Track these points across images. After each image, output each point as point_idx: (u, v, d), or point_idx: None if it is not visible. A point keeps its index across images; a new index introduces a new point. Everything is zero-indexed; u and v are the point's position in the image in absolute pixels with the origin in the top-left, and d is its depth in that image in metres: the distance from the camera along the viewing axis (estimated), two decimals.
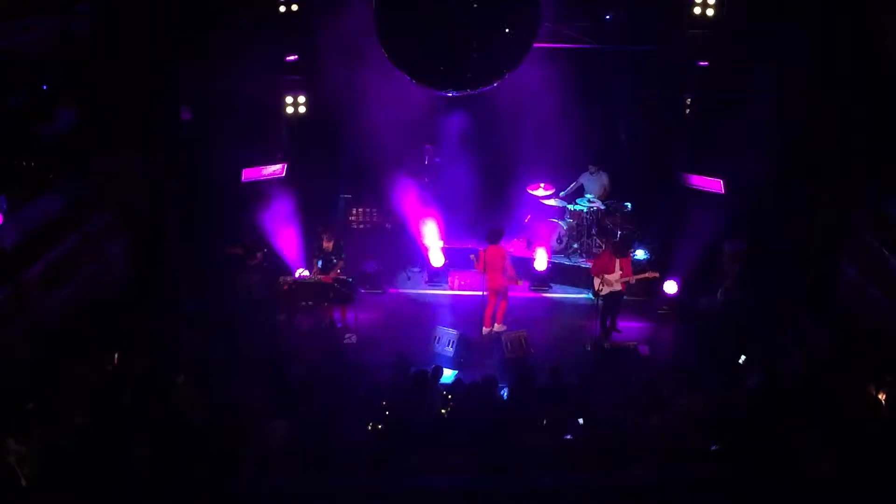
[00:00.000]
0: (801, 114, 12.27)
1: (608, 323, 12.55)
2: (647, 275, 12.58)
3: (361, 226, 14.91)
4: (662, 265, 13.29)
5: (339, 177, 14.36)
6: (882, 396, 9.42)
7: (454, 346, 11.96)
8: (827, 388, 9.74)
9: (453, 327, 12.36)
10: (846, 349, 10.79)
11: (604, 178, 14.57)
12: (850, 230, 12.14)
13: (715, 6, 12.84)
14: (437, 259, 14.20)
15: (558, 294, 14.19)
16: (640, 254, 13.85)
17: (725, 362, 11.11)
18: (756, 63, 12.56)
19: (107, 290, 12.31)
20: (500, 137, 14.75)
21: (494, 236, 12.55)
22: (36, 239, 11.42)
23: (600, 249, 13.84)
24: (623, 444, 8.74)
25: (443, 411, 9.67)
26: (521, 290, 13.85)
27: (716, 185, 13.41)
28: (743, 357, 10.96)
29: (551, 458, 8.56)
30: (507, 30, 9.51)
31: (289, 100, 14.03)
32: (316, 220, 14.00)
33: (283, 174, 14.05)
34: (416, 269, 14.09)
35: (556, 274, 14.32)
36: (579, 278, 13.95)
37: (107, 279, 12.46)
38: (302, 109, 14.26)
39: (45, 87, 12.14)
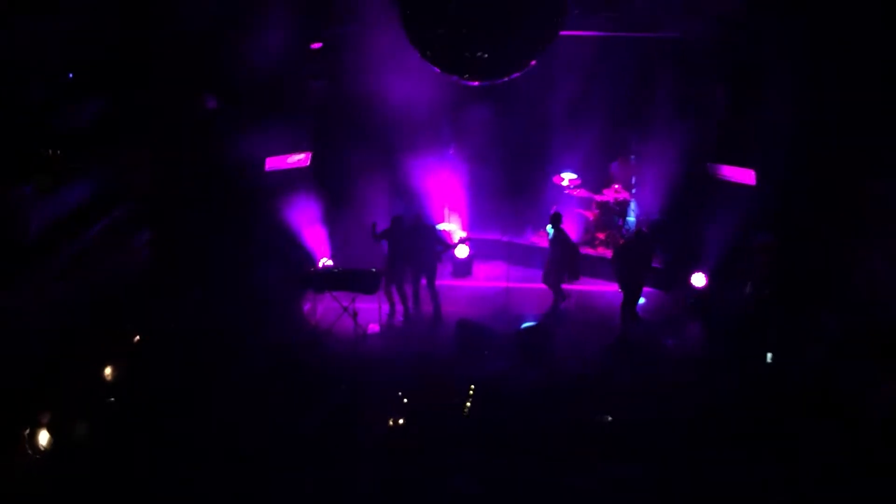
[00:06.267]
0: (831, 104, 12.16)
1: (630, 313, 12.80)
2: None
3: None
4: (691, 257, 13.44)
5: (362, 166, 14.51)
6: None
7: None
8: (847, 383, 9.97)
9: (479, 319, 12.43)
10: (867, 343, 10.84)
11: (632, 168, 14.84)
12: (876, 222, 11.90)
13: None
14: (461, 251, 14.45)
15: (584, 286, 14.20)
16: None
17: (751, 357, 11.49)
18: (787, 53, 12.44)
19: (131, 279, 12.45)
20: (525, 128, 14.90)
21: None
22: (61, 228, 11.62)
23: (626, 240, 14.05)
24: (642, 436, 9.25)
25: (467, 405, 10.22)
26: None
27: (747, 176, 13.37)
28: (770, 354, 11.45)
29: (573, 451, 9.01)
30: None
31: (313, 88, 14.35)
32: (339, 209, 14.28)
33: (308, 163, 14.30)
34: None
35: (583, 266, 13.97)
36: (605, 270, 14.08)
37: (131, 269, 12.67)
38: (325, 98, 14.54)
39: (70, 76, 12.14)
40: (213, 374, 10.67)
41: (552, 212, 13.01)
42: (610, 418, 9.93)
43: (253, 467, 8.89)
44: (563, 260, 12.92)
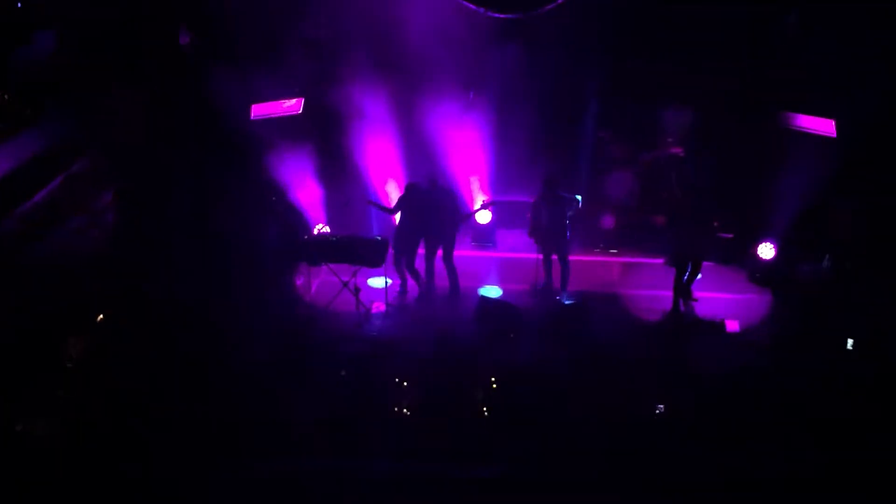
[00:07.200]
0: None
1: (684, 291, 12.63)
2: None
3: None
4: (757, 224, 13.30)
5: (365, 115, 14.33)
6: None
7: None
8: None
9: (501, 295, 12.63)
10: None
11: (688, 116, 14.42)
12: None
13: None
14: (483, 216, 14.16)
15: (629, 258, 14.16)
16: None
17: (830, 344, 11.37)
18: None
19: (93, 245, 12.49)
20: (558, 71, 14.54)
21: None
22: (12, 184, 11.76)
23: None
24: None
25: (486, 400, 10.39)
26: (585, 253, 13.95)
27: (827, 126, 13.09)
28: (851, 341, 11.28)
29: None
30: None
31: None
32: (338, 165, 14.25)
33: (301, 110, 14.09)
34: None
35: (628, 233, 14.30)
36: (655, 239, 13.78)
37: (94, 233, 12.65)
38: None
39: (19, 5, 12.34)
40: (192, 356, 10.65)
41: (548, 175, 12.85)
42: (661, 408, 10.12)
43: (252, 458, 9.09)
44: (554, 230, 12.77)
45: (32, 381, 9.87)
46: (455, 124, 14.51)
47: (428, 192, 12.73)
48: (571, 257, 13.04)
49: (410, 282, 13.04)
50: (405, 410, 10.15)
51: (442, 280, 13.01)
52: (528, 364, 10.80)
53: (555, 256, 12.96)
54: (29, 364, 10.08)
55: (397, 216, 12.91)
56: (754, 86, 13.68)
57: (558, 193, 12.69)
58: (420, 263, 12.98)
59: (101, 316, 11.44)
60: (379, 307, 12.63)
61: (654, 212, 14.20)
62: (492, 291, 13.13)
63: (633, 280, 13.57)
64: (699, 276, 12.68)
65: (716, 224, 12.71)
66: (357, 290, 12.38)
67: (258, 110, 13.72)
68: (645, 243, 14.11)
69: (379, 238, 12.69)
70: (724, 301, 12.77)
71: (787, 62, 13.66)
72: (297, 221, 13.79)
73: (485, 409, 10.24)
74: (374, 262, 12.42)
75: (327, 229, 13.81)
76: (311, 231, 13.77)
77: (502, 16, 11.13)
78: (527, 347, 11.30)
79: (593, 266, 13.75)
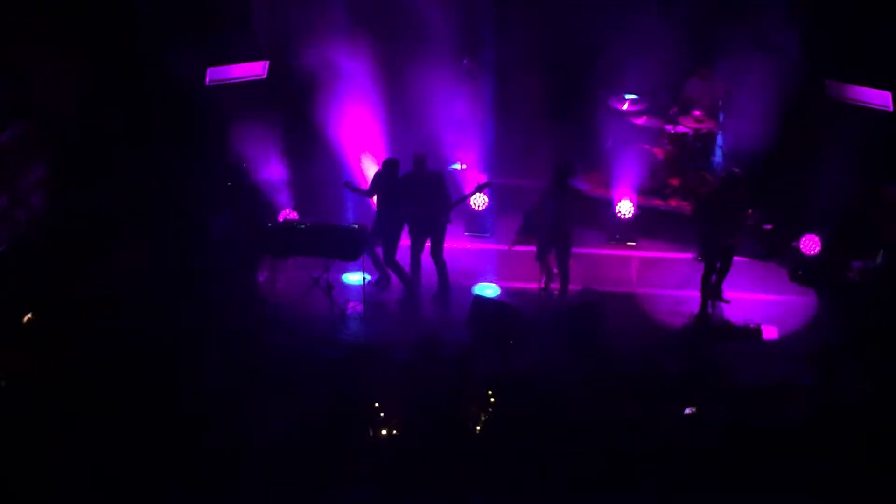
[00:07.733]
0: None
1: (714, 290, 12.10)
2: None
3: None
4: (800, 213, 12.80)
5: (341, 82, 13.57)
6: None
7: None
8: None
9: (498, 294, 12.32)
10: None
11: (718, 87, 13.81)
12: None
13: None
14: (478, 201, 13.51)
15: (650, 252, 13.64)
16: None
17: (885, 351, 10.89)
18: None
19: (17, 229, 12.19)
20: (567, 33, 14.15)
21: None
22: None
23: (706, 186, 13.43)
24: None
25: (481, 419, 9.78)
26: (599, 245, 13.54)
27: (883, 98, 12.51)
28: None
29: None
30: None
31: None
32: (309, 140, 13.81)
33: (265, 75, 13.50)
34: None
35: (648, 223, 13.66)
36: (680, 230, 13.37)
37: (19, 215, 12.33)
38: None
39: None
40: (133, 360, 10.16)
41: (559, 162, 12.29)
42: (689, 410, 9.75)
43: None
44: (558, 226, 12.23)
45: None
46: (447, 95, 13.92)
47: (413, 174, 12.16)
48: (581, 250, 12.60)
49: (393, 278, 12.49)
50: (386, 430, 9.66)
51: (429, 276, 12.44)
52: (529, 375, 10.35)
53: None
54: None
55: (376, 201, 12.39)
56: (802, 48, 12.90)
57: (569, 184, 12.14)
58: (403, 256, 12.39)
59: (28, 316, 10.91)
60: (355, 307, 12.13)
61: (681, 197, 13.87)
62: (488, 290, 12.68)
63: (655, 278, 13.02)
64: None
65: (751, 213, 12.08)
66: (330, 288, 11.85)
67: (215, 74, 13.11)
68: (669, 235, 13.59)
69: (356, 226, 12.08)
70: (760, 303, 12.25)
71: (840, 22, 12.96)
72: (259, 206, 13.19)
73: (479, 427, 9.71)
74: (349, 254, 11.88)
75: (295, 215, 13.23)
76: (277, 218, 13.14)
77: None
78: (528, 355, 10.93)
79: (608, 261, 13.19)
